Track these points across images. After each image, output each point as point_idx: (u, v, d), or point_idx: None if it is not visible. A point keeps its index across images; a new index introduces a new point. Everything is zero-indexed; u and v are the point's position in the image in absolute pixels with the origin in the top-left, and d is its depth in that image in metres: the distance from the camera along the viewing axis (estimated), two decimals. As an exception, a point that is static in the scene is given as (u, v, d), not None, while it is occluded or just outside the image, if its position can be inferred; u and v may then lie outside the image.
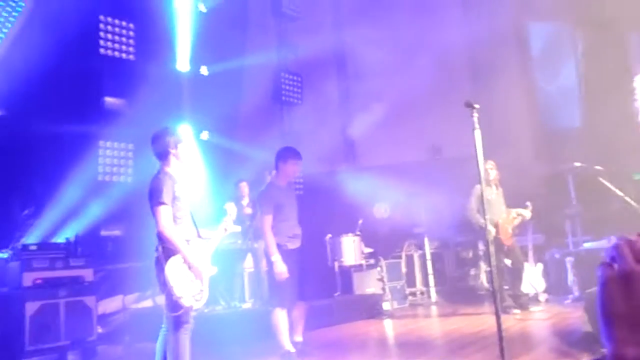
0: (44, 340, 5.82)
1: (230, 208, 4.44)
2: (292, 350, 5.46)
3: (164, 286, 3.87)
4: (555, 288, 8.51)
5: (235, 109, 10.71)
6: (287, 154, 5.68)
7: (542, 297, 8.29)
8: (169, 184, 3.98)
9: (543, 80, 10.75)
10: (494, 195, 7.74)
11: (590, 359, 4.45)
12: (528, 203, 7.87)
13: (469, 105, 4.07)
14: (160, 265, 3.90)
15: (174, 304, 3.88)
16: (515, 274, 7.77)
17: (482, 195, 4.38)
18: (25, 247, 6.32)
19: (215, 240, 4.31)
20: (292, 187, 5.97)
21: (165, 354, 4.01)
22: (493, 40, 10.12)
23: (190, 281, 3.93)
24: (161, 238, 3.92)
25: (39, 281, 6.08)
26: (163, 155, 4.16)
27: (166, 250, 3.91)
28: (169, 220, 3.92)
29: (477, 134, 4.04)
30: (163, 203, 3.90)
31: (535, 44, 11.01)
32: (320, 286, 8.57)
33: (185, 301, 3.85)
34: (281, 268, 5.25)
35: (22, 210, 6.65)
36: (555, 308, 7.72)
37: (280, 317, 5.42)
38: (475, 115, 4.06)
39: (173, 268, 3.85)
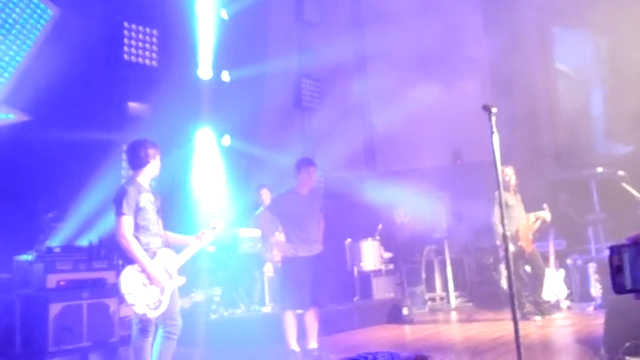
0: (67, 342, 5.90)
1: (217, 222, 4.47)
2: (297, 349, 5.65)
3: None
4: (578, 295, 8.40)
5: (256, 115, 10.78)
6: (301, 163, 5.90)
7: (564, 303, 8.19)
8: (132, 195, 4.06)
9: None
10: (514, 201, 7.68)
11: None
12: (545, 205, 7.79)
13: (487, 109, 4.04)
14: (119, 272, 4.04)
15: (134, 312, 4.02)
16: (536, 280, 7.69)
17: (500, 201, 4.34)
18: (49, 249, 6.43)
19: (190, 251, 4.33)
20: (315, 197, 5.99)
21: (158, 354, 4.11)
22: (515, 45, 10.04)
23: (147, 290, 4.00)
24: (120, 247, 4.05)
25: (62, 283, 6.19)
26: (138, 165, 4.24)
27: (124, 258, 4.05)
28: (129, 231, 4.01)
29: (495, 137, 4.01)
30: (123, 214, 4.01)
31: (559, 48, 10.90)
32: (339, 291, 8.58)
33: (138, 309, 3.93)
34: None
35: (46, 213, 6.74)
36: (577, 315, 7.62)
37: (289, 318, 5.66)
38: (493, 118, 4.03)
39: (127, 276, 3.96)
